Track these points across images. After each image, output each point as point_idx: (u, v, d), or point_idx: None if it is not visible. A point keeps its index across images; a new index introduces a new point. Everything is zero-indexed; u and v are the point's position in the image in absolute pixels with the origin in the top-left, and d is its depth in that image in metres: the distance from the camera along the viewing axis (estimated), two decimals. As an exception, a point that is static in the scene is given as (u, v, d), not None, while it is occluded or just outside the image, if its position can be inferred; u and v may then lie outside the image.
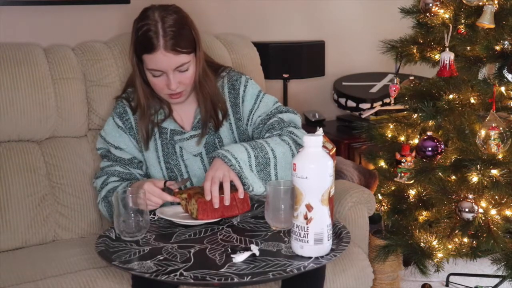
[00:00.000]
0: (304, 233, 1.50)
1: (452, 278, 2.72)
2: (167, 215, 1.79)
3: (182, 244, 1.64)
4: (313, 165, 1.48)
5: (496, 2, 2.12)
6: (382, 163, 2.59)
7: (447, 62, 2.21)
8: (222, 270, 1.47)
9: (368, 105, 3.05)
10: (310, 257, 1.51)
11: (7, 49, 2.10)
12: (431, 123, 2.32)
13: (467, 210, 2.18)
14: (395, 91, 2.51)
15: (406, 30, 2.48)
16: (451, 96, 2.30)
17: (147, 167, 2.00)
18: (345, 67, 3.30)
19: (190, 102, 1.98)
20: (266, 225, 1.73)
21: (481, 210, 2.19)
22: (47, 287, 1.68)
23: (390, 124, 2.55)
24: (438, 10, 2.25)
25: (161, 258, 1.55)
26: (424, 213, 2.44)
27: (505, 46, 2.13)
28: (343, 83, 3.20)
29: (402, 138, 2.49)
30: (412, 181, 2.40)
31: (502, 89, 2.20)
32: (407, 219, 2.46)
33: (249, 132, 1.99)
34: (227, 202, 1.71)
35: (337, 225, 1.72)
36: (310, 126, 3.03)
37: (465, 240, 2.28)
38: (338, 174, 2.38)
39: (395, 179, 2.43)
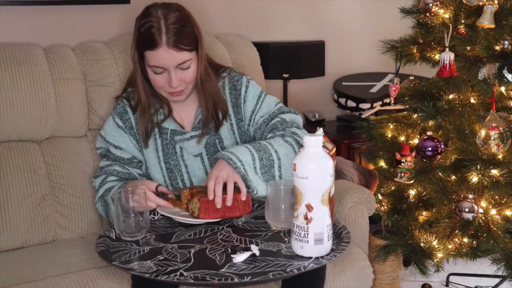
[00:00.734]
0: (304, 233, 1.50)
1: (452, 278, 2.72)
2: (168, 212, 1.79)
3: (182, 244, 1.64)
4: (314, 165, 1.48)
5: (496, 2, 2.12)
6: (382, 163, 2.59)
7: (447, 62, 2.21)
8: (222, 270, 1.47)
9: (368, 105, 3.05)
10: (310, 257, 1.51)
11: (7, 49, 2.10)
12: (431, 123, 2.32)
13: (467, 210, 2.18)
14: (395, 91, 2.51)
15: (406, 30, 2.48)
16: (451, 96, 2.30)
17: (147, 167, 2.00)
18: (345, 67, 3.30)
19: (190, 102, 1.98)
20: (266, 225, 1.73)
21: (481, 210, 2.19)
22: (47, 287, 1.68)
23: (390, 124, 2.55)
24: (438, 10, 2.25)
25: (161, 258, 1.55)
26: (424, 213, 2.44)
27: (505, 46, 2.13)
28: (343, 83, 3.20)
29: (402, 138, 2.49)
30: (412, 181, 2.40)
31: (502, 89, 2.20)
32: (407, 219, 2.46)
33: (250, 132, 1.99)
34: (229, 202, 1.70)
35: (337, 225, 1.72)
36: (310, 126, 3.03)
37: (465, 240, 2.28)
38: (338, 174, 2.38)
39: (395, 179, 2.42)
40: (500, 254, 2.25)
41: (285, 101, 3.03)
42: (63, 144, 2.15)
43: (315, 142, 1.50)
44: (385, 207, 2.52)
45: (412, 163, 2.36)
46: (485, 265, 2.73)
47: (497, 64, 2.15)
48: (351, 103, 3.08)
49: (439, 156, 2.29)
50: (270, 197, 1.67)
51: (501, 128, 2.11)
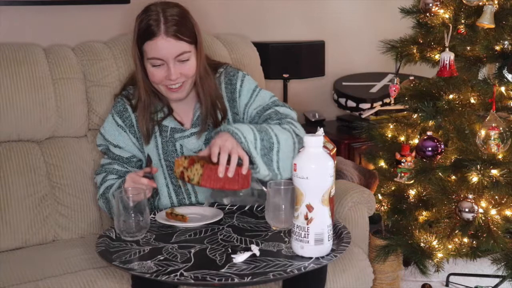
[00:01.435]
0: (305, 234, 1.50)
1: (452, 278, 2.72)
2: (163, 218, 1.80)
3: (183, 244, 1.64)
4: (314, 166, 1.48)
5: (496, 2, 2.12)
6: (382, 163, 2.59)
7: (447, 62, 2.21)
8: (223, 270, 1.47)
9: (368, 105, 3.05)
10: (311, 258, 1.51)
11: (7, 49, 2.10)
12: (431, 123, 2.32)
13: (467, 210, 2.18)
14: (395, 91, 2.51)
15: (406, 30, 2.48)
16: (451, 96, 2.30)
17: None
18: (345, 67, 3.30)
19: (189, 100, 1.98)
20: (267, 225, 1.73)
21: (481, 210, 2.19)
22: (47, 287, 1.68)
23: (390, 124, 2.55)
24: (438, 10, 2.26)
25: (161, 258, 1.55)
26: (424, 213, 2.44)
27: (505, 46, 2.14)
28: (343, 83, 3.20)
29: (402, 138, 2.49)
30: (412, 181, 2.40)
31: (502, 89, 2.20)
32: (407, 219, 2.46)
33: None
34: (231, 173, 1.66)
35: (338, 225, 1.72)
36: (310, 126, 3.03)
37: (465, 240, 2.29)
38: (339, 174, 2.38)
39: (395, 179, 2.42)
40: (500, 254, 2.25)
41: (285, 101, 3.03)
42: (63, 144, 2.15)
43: (316, 142, 1.50)
44: (385, 207, 2.52)
45: (412, 163, 2.36)
46: (485, 265, 2.73)
47: (497, 64, 2.15)
48: (351, 103, 3.08)
49: (439, 156, 2.29)
50: (270, 197, 1.67)
51: (501, 128, 2.11)
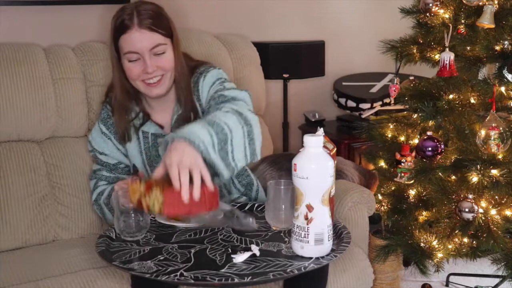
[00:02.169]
0: (305, 234, 1.50)
1: (452, 278, 2.72)
2: (163, 218, 1.79)
3: (183, 244, 1.64)
4: (314, 166, 1.48)
5: (496, 2, 2.12)
6: (382, 163, 2.59)
7: (447, 62, 2.21)
8: (223, 270, 1.47)
9: (368, 105, 3.05)
10: (311, 258, 1.51)
11: (7, 49, 2.10)
12: (431, 123, 2.32)
13: (467, 210, 2.18)
14: (395, 91, 2.51)
15: (406, 30, 2.48)
16: (451, 96, 2.30)
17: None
18: (345, 67, 3.30)
19: (168, 101, 1.95)
20: (267, 225, 1.73)
21: (481, 210, 2.19)
22: (47, 287, 1.68)
23: (390, 124, 2.55)
24: (438, 10, 2.26)
25: (161, 258, 1.55)
26: (424, 213, 2.44)
27: (505, 46, 2.14)
28: (343, 83, 3.20)
29: (402, 138, 2.49)
30: (412, 181, 2.40)
31: (502, 89, 2.20)
32: (407, 219, 2.46)
33: None
34: (197, 195, 1.45)
35: (338, 225, 1.72)
36: (310, 126, 3.03)
37: (465, 240, 2.29)
38: (339, 174, 2.38)
39: (395, 179, 2.43)
40: (500, 254, 2.25)
41: (285, 101, 3.02)
42: (63, 144, 2.15)
43: (316, 142, 1.50)
44: (385, 207, 2.52)
45: (412, 163, 2.36)
46: (485, 265, 2.73)
47: (497, 64, 2.15)
48: (351, 103, 3.08)
49: (439, 156, 2.29)
50: (270, 197, 1.67)
51: (501, 128, 2.11)
